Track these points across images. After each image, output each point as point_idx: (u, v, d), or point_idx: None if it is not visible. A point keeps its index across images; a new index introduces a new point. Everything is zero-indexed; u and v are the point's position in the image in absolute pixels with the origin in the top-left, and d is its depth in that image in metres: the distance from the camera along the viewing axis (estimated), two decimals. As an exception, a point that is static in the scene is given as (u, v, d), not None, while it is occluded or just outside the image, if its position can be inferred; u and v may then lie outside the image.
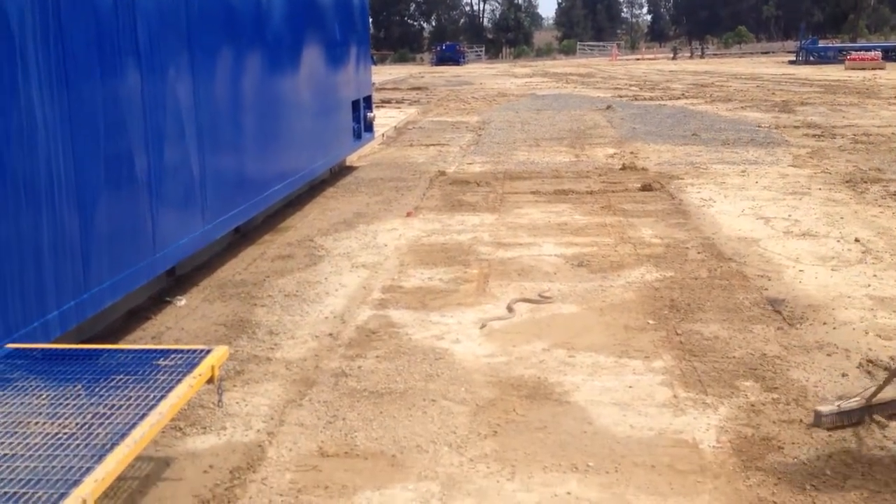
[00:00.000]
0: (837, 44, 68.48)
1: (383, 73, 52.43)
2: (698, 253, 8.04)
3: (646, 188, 11.39)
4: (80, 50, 5.14)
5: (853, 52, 50.77)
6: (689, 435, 4.42)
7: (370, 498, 3.88)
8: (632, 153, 15.03)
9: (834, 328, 5.99)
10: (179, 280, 7.33)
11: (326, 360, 5.57)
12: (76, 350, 4.29)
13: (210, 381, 3.96)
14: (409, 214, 10.13)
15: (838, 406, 4.51)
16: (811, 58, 55.24)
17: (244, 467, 4.17)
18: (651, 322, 6.16)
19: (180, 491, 3.97)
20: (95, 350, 4.29)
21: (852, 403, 4.51)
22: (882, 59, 47.38)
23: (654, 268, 7.54)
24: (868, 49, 52.94)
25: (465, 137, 18.43)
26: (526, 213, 10.02)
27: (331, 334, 6.05)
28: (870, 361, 5.32)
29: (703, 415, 4.65)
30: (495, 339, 5.89)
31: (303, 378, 5.27)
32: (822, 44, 65.59)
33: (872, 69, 43.50)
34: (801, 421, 4.55)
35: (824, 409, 4.50)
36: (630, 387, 5.04)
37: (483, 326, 6.11)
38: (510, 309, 6.45)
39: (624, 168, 13.29)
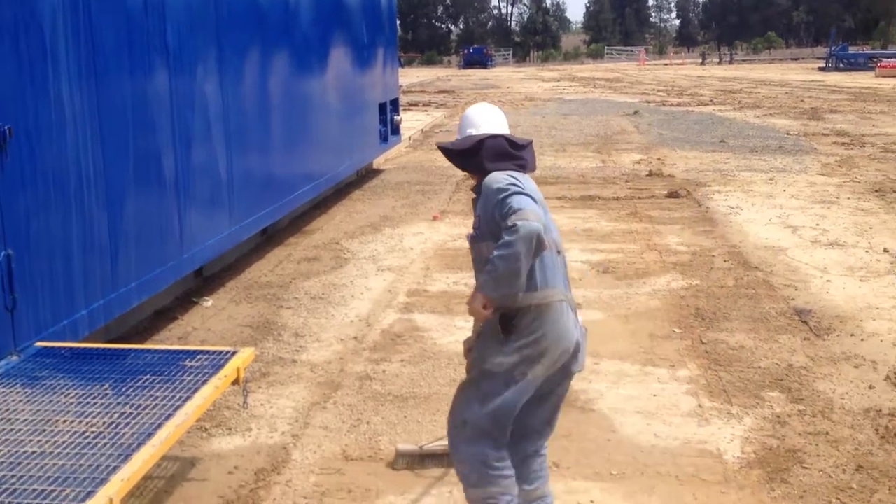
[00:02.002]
0: (868, 50, 67.82)
1: (410, 76, 52.54)
2: (724, 261, 7.99)
3: (672, 195, 11.33)
4: (111, 49, 5.19)
5: (884, 60, 50.23)
6: (714, 445, 4.40)
7: (393, 502, 3.89)
8: (659, 159, 14.96)
9: (861, 339, 5.93)
10: (206, 281, 7.39)
11: (351, 363, 5.59)
12: (104, 350, 4.33)
13: (235, 382, 3.99)
14: (435, 218, 10.14)
15: (420, 447, 4.18)
16: (841, 64, 54.69)
17: (269, 469, 4.19)
18: (676, 330, 6.13)
19: (205, 491, 4.00)
20: (123, 350, 4.33)
21: (435, 446, 4.11)
22: (914, 66, 46.83)
23: (680, 275, 7.50)
24: (900, 56, 52.36)
25: (492, 141, 18.38)
26: (552, 219, 9.97)
27: (356, 337, 6.07)
28: (898, 374, 5.26)
29: (728, 425, 4.62)
30: (519, 345, 5.87)
31: (328, 381, 5.29)
32: (852, 50, 64.97)
33: (904, 77, 43.00)
34: (827, 433, 4.51)
35: (404, 447, 4.20)
36: (654, 395, 5.02)
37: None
38: None
39: (650, 174, 13.23)
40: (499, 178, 3.18)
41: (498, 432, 3.25)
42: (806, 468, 4.16)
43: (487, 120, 3.41)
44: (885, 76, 43.54)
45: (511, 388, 3.20)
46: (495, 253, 3.07)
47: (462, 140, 3.38)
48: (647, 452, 4.33)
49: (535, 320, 3.17)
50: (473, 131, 3.37)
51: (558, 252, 3.27)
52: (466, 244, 7.41)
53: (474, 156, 3.31)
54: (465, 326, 6.24)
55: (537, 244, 3.05)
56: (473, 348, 3.39)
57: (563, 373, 3.31)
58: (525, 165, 3.31)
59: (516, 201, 3.06)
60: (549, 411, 3.41)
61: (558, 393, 3.39)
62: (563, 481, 4.04)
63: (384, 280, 7.52)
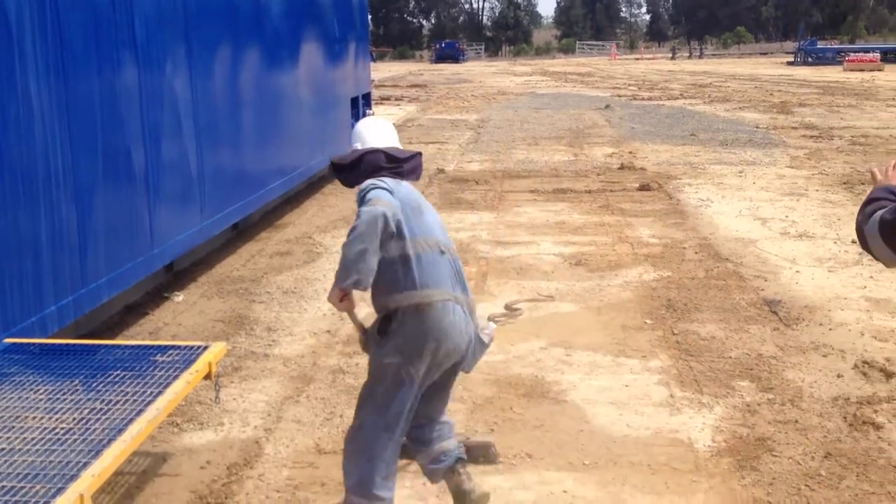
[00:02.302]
0: (836, 45, 68.51)
1: (382, 70, 52.41)
2: (695, 253, 8.05)
3: (644, 188, 11.40)
4: (78, 43, 5.14)
5: (852, 54, 50.79)
6: (685, 434, 4.44)
7: (366, 495, 3.88)
8: (630, 153, 15.04)
9: (830, 329, 6.01)
10: (177, 276, 7.34)
11: (324, 356, 5.58)
12: (73, 345, 4.29)
13: (207, 377, 3.97)
14: (407, 212, 10.12)
15: None
16: (809, 59, 55.24)
17: (241, 463, 4.18)
18: (648, 321, 6.17)
19: (177, 486, 3.98)
20: (93, 345, 4.29)
21: None
22: (880, 60, 47.39)
23: (652, 267, 7.55)
24: (867, 50, 52.96)
25: (465, 135, 18.44)
26: (524, 212, 10.03)
27: (328, 331, 6.05)
28: (865, 363, 5.33)
29: (699, 414, 4.67)
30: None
31: (300, 375, 5.28)
32: (820, 45, 65.59)
33: (871, 71, 43.51)
34: (796, 421, 4.56)
35: None
36: (627, 386, 5.06)
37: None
38: (511, 308, 6.46)
39: (622, 167, 13.30)
40: (365, 183, 3.30)
41: (391, 433, 3.33)
42: (775, 456, 4.20)
43: (372, 135, 3.54)
44: (852, 70, 44.03)
45: (400, 389, 3.28)
46: (344, 241, 3.17)
47: (347, 155, 3.50)
48: (619, 442, 4.36)
49: (415, 320, 3.23)
50: (359, 146, 3.50)
51: (442, 252, 3.32)
52: None
53: (355, 169, 3.42)
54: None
55: (384, 227, 3.12)
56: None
57: (454, 370, 3.45)
58: (401, 173, 3.40)
59: (370, 195, 3.19)
60: (443, 401, 3.56)
61: (449, 385, 3.54)
62: (536, 472, 4.06)
63: (357, 274, 7.49)
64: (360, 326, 3.46)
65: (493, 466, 4.09)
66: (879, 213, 2.35)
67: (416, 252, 3.24)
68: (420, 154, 3.59)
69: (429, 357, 3.25)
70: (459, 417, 4.61)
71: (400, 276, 3.23)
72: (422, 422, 3.51)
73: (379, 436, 3.32)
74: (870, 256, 2.46)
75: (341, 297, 3.23)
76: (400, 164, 3.40)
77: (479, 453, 4.07)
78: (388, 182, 3.28)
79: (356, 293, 3.27)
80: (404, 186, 3.35)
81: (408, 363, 3.25)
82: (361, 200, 3.21)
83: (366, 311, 3.68)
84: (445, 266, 3.31)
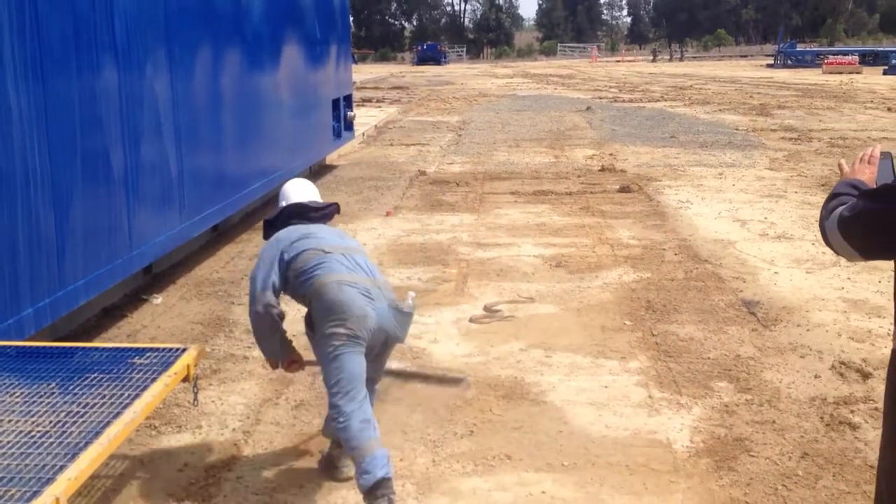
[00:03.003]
0: (815, 48, 69.07)
1: (364, 72, 52.35)
2: (675, 254, 8.10)
3: (624, 189, 11.45)
4: (57, 45, 5.10)
5: (830, 56, 51.26)
6: (664, 435, 4.46)
7: (346, 497, 3.89)
8: (611, 154, 15.09)
9: (808, 330, 6.05)
10: (156, 278, 7.30)
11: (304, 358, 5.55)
12: (50, 348, 4.26)
13: (186, 379, 3.94)
14: (388, 214, 10.13)
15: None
16: (789, 61, 55.68)
17: (219, 466, 4.16)
18: (628, 323, 6.20)
19: (155, 489, 3.96)
20: (70, 348, 4.26)
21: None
22: (859, 63, 47.82)
23: (632, 269, 7.58)
24: (845, 53, 53.45)
25: (446, 137, 18.45)
26: (505, 214, 10.05)
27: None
28: (842, 363, 5.37)
29: (678, 415, 4.69)
30: (473, 339, 5.90)
31: (279, 377, 5.25)
32: (800, 48, 66.10)
33: (849, 73, 43.92)
34: (774, 422, 4.59)
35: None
36: (606, 387, 5.08)
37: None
38: (491, 309, 6.48)
39: (603, 169, 13.35)
40: (270, 239, 4.01)
41: (351, 397, 3.68)
42: (753, 456, 4.23)
43: (294, 192, 4.28)
44: (831, 73, 44.42)
45: (337, 364, 3.69)
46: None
47: (273, 211, 4.21)
48: (598, 443, 4.37)
49: (317, 303, 3.75)
50: (284, 203, 4.22)
51: (326, 252, 3.86)
52: (420, 239, 7.64)
53: (276, 222, 4.12)
54: (417, 321, 6.23)
55: (262, 324, 3.89)
56: None
57: (385, 344, 3.97)
58: (312, 219, 4.12)
59: (254, 273, 3.89)
60: (371, 370, 3.91)
61: (379, 357, 4.02)
62: (515, 473, 4.07)
63: (337, 276, 7.48)
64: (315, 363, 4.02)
65: (472, 468, 4.10)
66: (839, 209, 2.39)
67: (304, 261, 3.83)
68: (335, 204, 4.33)
69: (341, 326, 3.68)
70: (439, 417, 4.62)
71: (301, 282, 3.82)
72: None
73: (346, 406, 3.65)
74: (849, 261, 2.49)
75: (286, 365, 4.10)
76: (311, 214, 4.14)
77: (452, 383, 4.74)
78: (294, 231, 3.97)
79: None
80: (297, 227, 4.02)
81: (330, 338, 3.69)
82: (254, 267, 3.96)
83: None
84: (334, 260, 3.82)
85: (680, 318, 6.28)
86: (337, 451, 4.02)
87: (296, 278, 3.83)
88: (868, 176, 2.56)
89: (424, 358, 5.53)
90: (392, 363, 4.56)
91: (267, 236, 4.09)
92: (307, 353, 4.14)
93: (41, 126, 4.86)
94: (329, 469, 4.05)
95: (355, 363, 3.72)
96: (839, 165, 2.71)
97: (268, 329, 3.88)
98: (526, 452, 4.28)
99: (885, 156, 2.60)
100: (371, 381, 3.97)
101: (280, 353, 4.00)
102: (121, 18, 5.90)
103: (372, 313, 3.74)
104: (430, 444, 4.36)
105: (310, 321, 3.86)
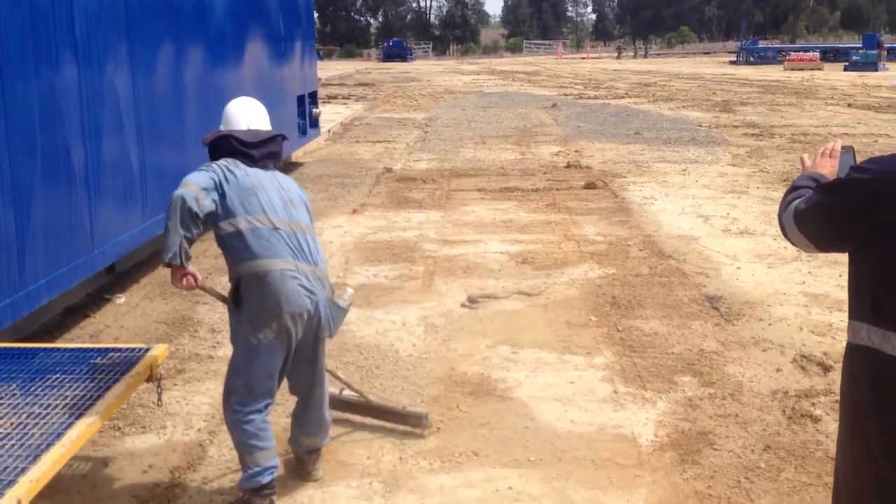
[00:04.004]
0: (777, 44, 69.84)
1: (329, 69, 52.12)
2: (640, 250, 8.16)
3: (589, 186, 11.51)
4: (15, 41, 5.03)
5: (792, 53, 51.82)
6: (629, 429, 4.49)
7: (312, 496, 3.88)
8: (576, 151, 15.17)
9: (769, 324, 6.13)
10: (119, 277, 7.23)
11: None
12: (11, 349, 4.21)
13: (149, 379, 3.92)
14: (354, 211, 10.10)
15: (339, 391, 4.51)
16: (751, 58, 56.25)
17: (184, 467, 4.13)
18: (593, 318, 6.24)
19: (119, 491, 3.92)
20: (31, 349, 4.21)
21: (352, 395, 4.51)
22: (820, 59, 48.43)
23: (597, 265, 7.63)
24: (807, 50, 54.08)
25: (412, 134, 18.43)
26: (472, 211, 10.06)
27: (274, 332, 6.00)
28: (803, 357, 5.45)
29: (643, 410, 4.73)
30: (439, 336, 5.91)
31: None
32: (762, 44, 66.84)
33: (811, 70, 44.45)
34: (736, 415, 4.65)
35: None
36: (572, 382, 5.11)
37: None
38: (473, 300, 6.57)
39: (568, 166, 13.41)
40: (219, 162, 3.67)
41: (255, 397, 3.62)
42: (716, 449, 4.28)
43: (238, 115, 3.87)
44: (793, 69, 44.92)
45: (254, 355, 3.58)
46: None
47: (208, 134, 3.84)
48: (563, 438, 4.40)
49: (254, 288, 3.55)
50: (223, 127, 3.85)
51: (275, 228, 3.60)
52: (386, 237, 7.65)
53: (215, 150, 3.76)
54: (384, 319, 6.26)
55: (182, 208, 3.46)
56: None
57: (315, 338, 3.77)
58: (253, 159, 3.73)
59: (185, 178, 3.54)
60: (312, 372, 3.86)
61: (316, 356, 3.85)
62: (481, 469, 4.09)
63: (303, 274, 7.45)
64: (221, 298, 3.83)
65: (439, 464, 4.11)
66: (795, 202, 2.43)
67: (249, 227, 3.56)
68: (279, 136, 3.87)
69: (275, 321, 3.54)
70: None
71: (238, 249, 3.58)
72: (294, 393, 3.93)
73: (245, 402, 3.61)
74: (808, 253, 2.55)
75: (179, 277, 3.57)
76: (249, 150, 3.71)
77: (413, 422, 4.42)
78: (224, 166, 3.63)
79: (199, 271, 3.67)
80: (245, 170, 3.65)
81: (257, 329, 3.55)
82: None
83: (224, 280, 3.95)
84: (281, 240, 3.59)
85: (644, 314, 6.33)
86: (305, 456, 4.00)
87: (232, 239, 3.59)
88: (829, 170, 2.61)
89: (391, 355, 5.53)
90: (349, 392, 4.47)
91: (212, 160, 3.77)
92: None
93: None
94: (298, 470, 4.04)
95: (270, 364, 3.62)
96: (801, 160, 2.75)
97: (180, 216, 3.48)
98: (492, 448, 4.29)
99: (847, 150, 2.64)
100: (318, 385, 3.91)
101: (178, 254, 3.52)
102: (80, 14, 5.82)
103: (309, 308, 3.62)
104: (397, 441, 4.36)
105: (237, 297, 3.62)
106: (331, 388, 4.21)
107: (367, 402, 4.50)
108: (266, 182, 3.71)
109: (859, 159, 2.49)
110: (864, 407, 2.25)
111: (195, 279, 3.61)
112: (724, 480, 3.99)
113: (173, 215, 3.46)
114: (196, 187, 3.50)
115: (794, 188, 2.55)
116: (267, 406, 3.69)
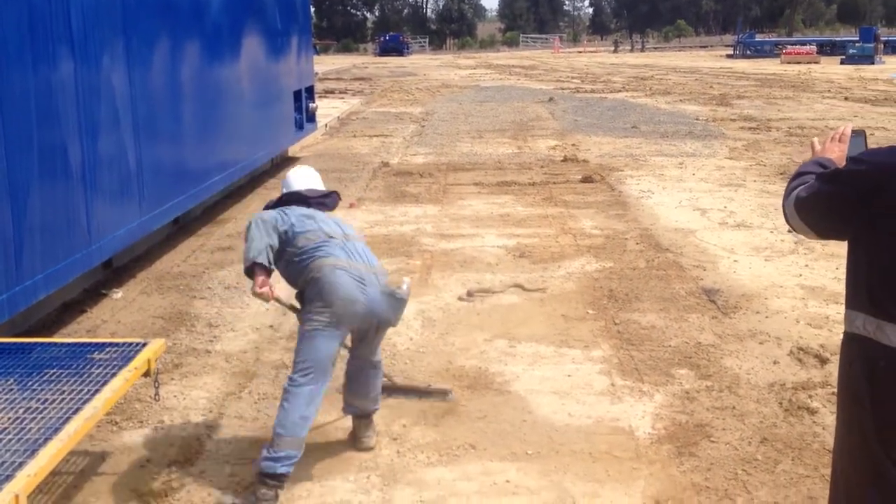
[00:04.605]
0: (774, 38, 69.81)
1: (326, 63, 52.05)
2: (637, 244, 8.16)
3: (586, 180, 11.51)
4: (12, 37, 5.02)
5: (789, 47, 51.80)
6: (626, 422, 4.50)
7: (310, 489, 3.89)
8: (573, 145, 15.16)
9: (766, 317, 6.13)
10: (116, 272, 7.22)
11: (267, 352, 5.54)
12: (8, 344, 4.21)
13: (146, 374, 3.92)
14: (351, 206, 10.10)
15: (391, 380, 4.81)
16: (748, 52, 56.17)
17: (182, 461, 4.13)
18: (590, 312, 6.24)
19: (117, 486, 3.93)
20: (28, 344, 4.21)
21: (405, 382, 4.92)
22: (816, 53, 48.41)
23: (594, 258, 7.63)
24: (803, 43, 54.07)
25: (409, 128, 18.42)
26: (469, 205, 10.06)
27: (271, 326, 6.01)
28: (800, 349, 5.45)
29: (640, 402, 4.74)
30: (437, 330, 5.91)
31: (243, 370, 5.24)
32: (759, 38, 66.78)
33: (807, 63, 44.42)
34: (733, 408, 4.66)
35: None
36: (569, 376, 5.11)
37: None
38: (470, 294, 6.60)
39: (565, 160, 13.41)
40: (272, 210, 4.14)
41: (310, 374, 3.83)
42: (713, 441, 4.29)
43: (297, 180, 4.38)
44: (789, 63, 44.90)
45: (314, 337, 3.85)
46: None
47: (274, 199, 4.35)
48: (561, 431, 4.41)
49: (315, 284, 3.87)
50: (285, 190, 4.35)
51: (329, 237, 4.00)
52: (384, 231, 7.72)
53: (279, 205, 4.22)
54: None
55: (266, 222, 3.95)
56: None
57: (376, 327, 4.09)
58: (311, 205, 4.19)
59: (251, 233, 3.95)
60: (370, 347, 4.20)
61: (376, 337, 4.18)
62: (479, 462, 4.09)
63: (300, 268, 7.45)
64: (293, 308, 4.14)
65: (437, 458, 4.11)
66: (797, 190, 2.44)
67: (307, 242, 3.95)
68: (334, 193, 4.41)
69: (328, 308, 3.83)
70: (407, 408, 4.63)
71: (301, 264, 3.93)
72: (357, 361, 4.22)
73: (300, 376, 3.83)
74: (805, 245, 2.56)
75: (261, 283, 3.88)
76: (310, 202, 4.22)
77: (438, 397, 4.74)
78: (283, 208, 4.13)
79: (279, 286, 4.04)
80: (300, 209, 4.13)
81: (316, 315, 3.84)
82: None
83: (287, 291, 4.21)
84: (335, 246, 3.96)
85: (641, 307, 6.33)
86: (357, 422, 4.26)
87: (294, 256, 3.94)
88: (837, 154, 2.60)
89: (389, 349, 5.53)
90: None
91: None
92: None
93: (-4, 119, 4.78)
94: (352, 439, 4.27)
95: (326, 347, 3.85)
96: (811, 144, 2.75)
97: (265, 228, 3.95)
98: (490, 442, 4.30)
99: (859, 133, 2.63)
100: (369, 364, 4.20)
101: (265, 252, 3.89)
102: (77, 10, 5.81)
103: (362, 298, 3.87)
104: (395, 435, 4.36)
105: (301, 298, 4.00)
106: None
107: (392, 384, 4.77)
108: (319, 213, 4.17)
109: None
110: (860, 396, 2.26)
111: (271, 290, 3.93)
112: (722, 473, 4.00)
113: (258, 229, 3.92)
114: (267, 215, 4.01)
115: (799, 174, 2.55)
116: (319, 385, 3.86)
